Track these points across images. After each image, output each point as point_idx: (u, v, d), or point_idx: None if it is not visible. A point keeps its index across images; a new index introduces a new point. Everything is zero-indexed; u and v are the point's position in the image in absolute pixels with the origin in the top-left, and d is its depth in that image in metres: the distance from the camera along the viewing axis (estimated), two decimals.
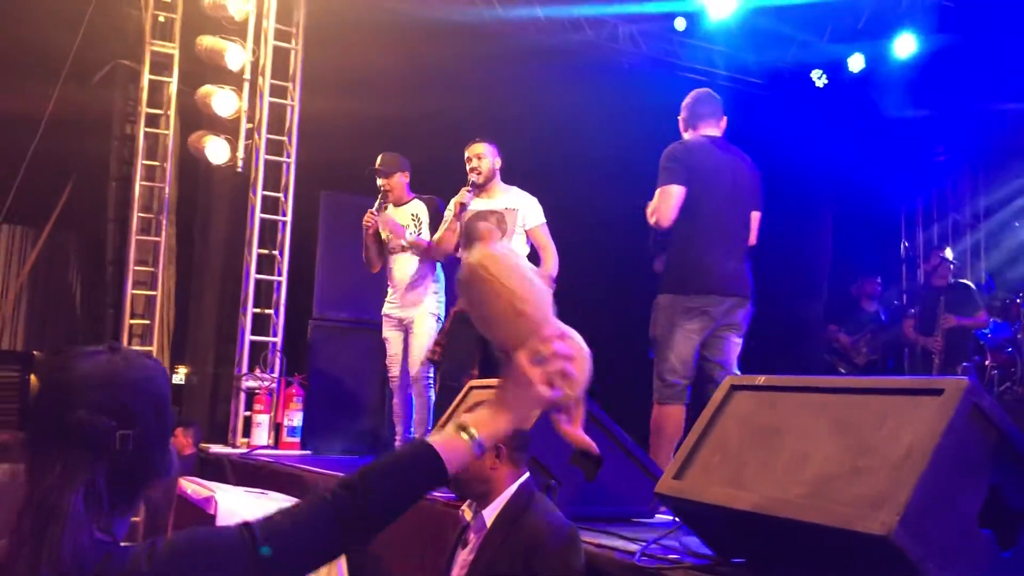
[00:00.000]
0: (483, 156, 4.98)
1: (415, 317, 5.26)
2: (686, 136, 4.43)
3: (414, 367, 5.19)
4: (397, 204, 5.45)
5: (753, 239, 4.39)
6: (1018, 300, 7.19)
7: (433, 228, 5.33)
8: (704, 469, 2.39)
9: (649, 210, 4.20)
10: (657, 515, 3.39)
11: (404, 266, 5.35)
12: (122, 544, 1.38)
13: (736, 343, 4.26)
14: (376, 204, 5.40)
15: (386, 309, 5.47)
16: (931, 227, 9.19)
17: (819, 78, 9.09)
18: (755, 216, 4.41)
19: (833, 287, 8.83)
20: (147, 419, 1.38)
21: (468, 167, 5.01)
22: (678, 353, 4.11)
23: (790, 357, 8.20)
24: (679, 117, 4.50)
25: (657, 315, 4.19)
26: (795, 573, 2.17)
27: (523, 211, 4.96)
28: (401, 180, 5.43)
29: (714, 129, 4.42)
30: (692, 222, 4.13)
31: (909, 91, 8.43)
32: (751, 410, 2.42)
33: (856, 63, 8.72)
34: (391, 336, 5.42)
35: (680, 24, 8.54)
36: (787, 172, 8.76)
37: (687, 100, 4.48)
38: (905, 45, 8.32)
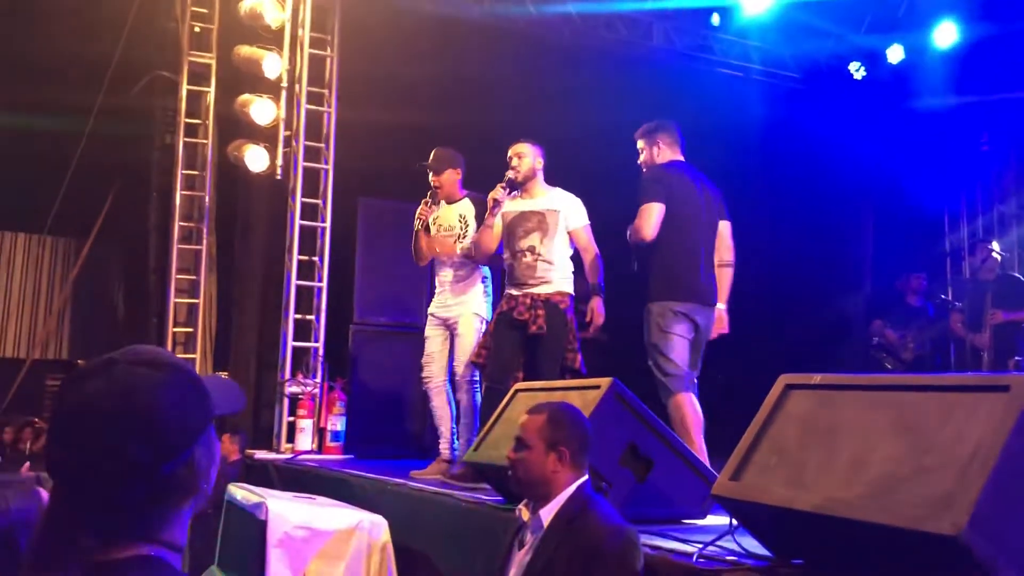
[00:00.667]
0: (524, 155, 4.94)
1: (460, 317, 5.22)
2: (650, 157, 4.75)
3: (460, 368, 5.15)
4: (449, 201, 5.35)
5: (730, 244, 4.84)
6: None
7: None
8: (761, 470, 2.36)
9: (634, 226, 4.48)
10: (709, 517, 3.36)
11: (450, 268, 5.34)
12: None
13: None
14: (428, 196, 5.34)
15: (432, 308, 5.44)
16: (976, 220, 9.02)
17: (857, 71, 8.96)
18: (726, 225, 4.84)
19: (877, 283, 8.72)
20: (176, 435, 1.26)
21: (509, 166, 4.99)
22: (676, 355, 4.40)
23: (832, 354, 8.11)
24: (644, 140, 4.79)
25: (650, 323, 4.45)
26: (856, 574, 2.13)
27: (565, 212, 4.92)
28: (452, 177, 5.34)
29: (679, 155, 4.79)
30: (673, 236, 4.48)
31: (951, 81, 8.29)
32: (808, 409, 2.38)
33: (895, 54, 8.59)
34: (432, 334, 5.37)
35: (715, 20, 8.48)
36: (826, 167, 8.69)
37: (652, 127, 4.79)
38: (946, 34, 8.19)
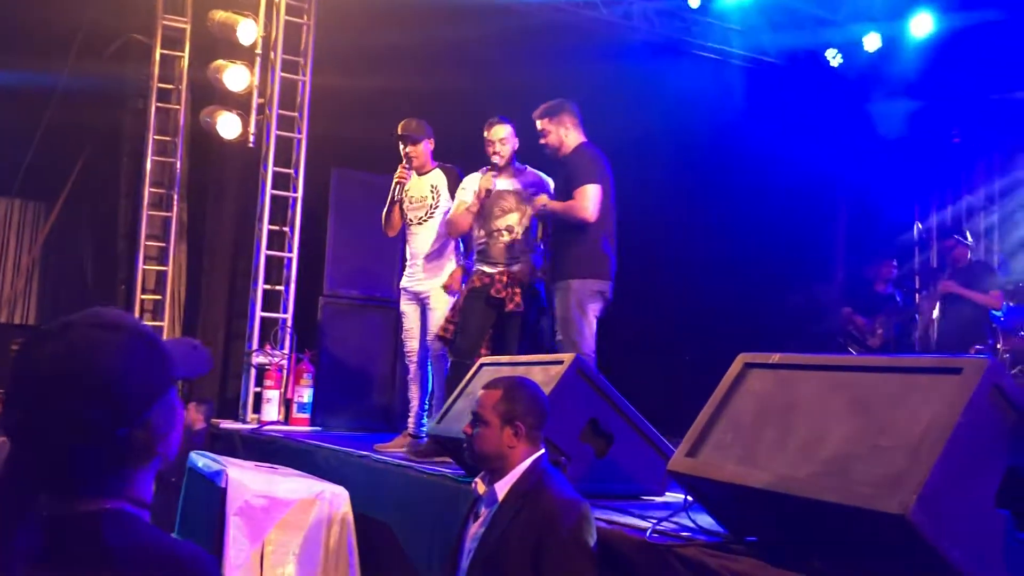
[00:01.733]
0: (506, 141, 4.92)
1: (431, 291, 5.21)
2: (559, 139, 4.69)
3: (430, 342, 5.16)
4: (420, 172, 5.34)
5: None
6: None
7: (453, 198, 5.25)
8: (717, 447, 2.38)
9: (575, 205, 4.46)
10: (667, 494, 3.38)
11: (422, 240, 5.29)
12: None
13: None
14: (402, 165, 5.30)
15: (403, 283, 5.40)
16: (945, 209, 9.11)
17: (834, 57, 8.99)
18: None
19: (848, 270, 8.78)
20: (133, 399, 1.26)
21: (490, 149, 4.93)
22: (590, 332, 4.44)
23: (804, 340, 8.17)
24: (550, 121, 4.70)
25: (568, 298, 4.46)
26: (809, 552, 2.16)
27: (540, 192, 4.91)
28: (426, 148, 5.31)
29: (583, 135, 4.76)
30: (604, 216, 4.54)
31: (925, 72, 8.34)
32: (766, 388, 2.40)
33: (872, 42, 8.63)
34: (407, 310, 5.35)
35: (694, 2, 8.46)
36: (801, 153, 8.72)
37: (556, 106, 4.71)
38: (922, 24, 8.23)
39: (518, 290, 4.75)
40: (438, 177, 5.31)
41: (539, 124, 4.73)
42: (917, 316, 7.29)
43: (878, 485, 1.91)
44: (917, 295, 7.62)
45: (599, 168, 4.55)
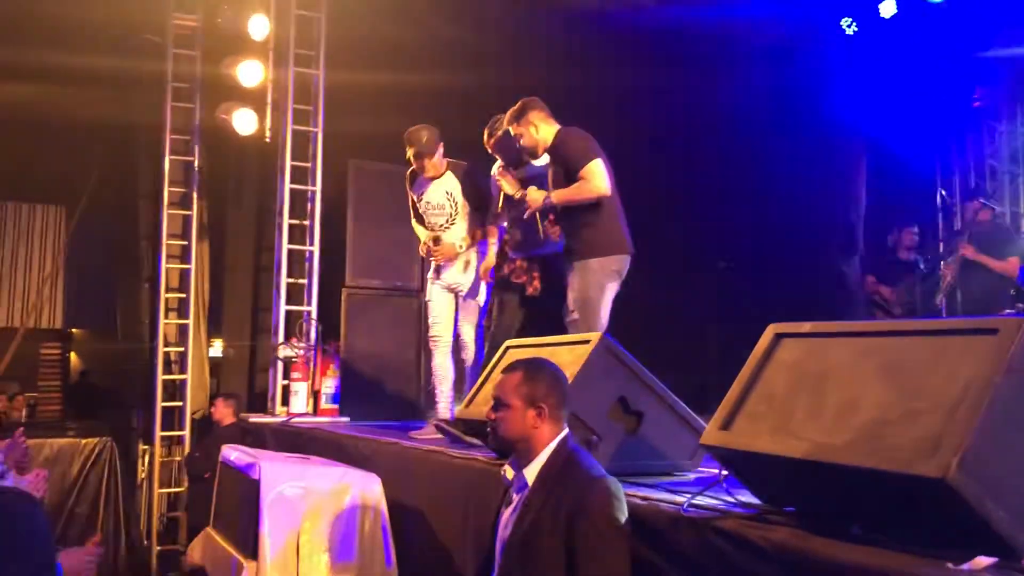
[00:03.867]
0: (522, 135, 4.93)
1: (465, 281, 5.25)
2: (531, 138, 4.62)
3: (466, 331, 5.19)
4: (434, 178, 5.34)
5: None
6: None
7: (467, 198, 5.26)
8: (751, 418, 2.36)
9: (588, 186, 4.39)
10: (701, 469, 3.37)
11: (451, 234, 5.29)
12: None
13: None
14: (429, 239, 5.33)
15: (433, 274, 5.42)
16: (968, 174, 9.00)
17: (849, 26, 8.88)
18: None
19: (870, 238, 8.70)
20: None
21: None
22: (605, 311, 4.40)
23: (828, 310, 8.12)
24: (517, 125, 4.65)
25: (587, 278, 4.42)
26: (847, 519, 2.14)
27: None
28: (440, 153, 5.32)
29: (555, 123, 4.68)
30: (612, 190, 4.49)
31: (942, 36, 8.21)
32: (798, 357, 2.37)
33: (887, 8, 8.51)
34: (436, 297, 5.35)
35: None
36: (818, 123, 8.63)
37: (516, 110, 4.65)
38: None
39: (536, 274, 4.78)
40: (451, 182, 5.29)
41: (512, 131, 4.71)
42: (941, 282, 7.21)
43: (916, 449, 1.89)
44: (942, 262, 7.53)
45: (592, 143, 4.50)
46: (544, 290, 4.87)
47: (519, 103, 4.68)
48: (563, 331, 4.67)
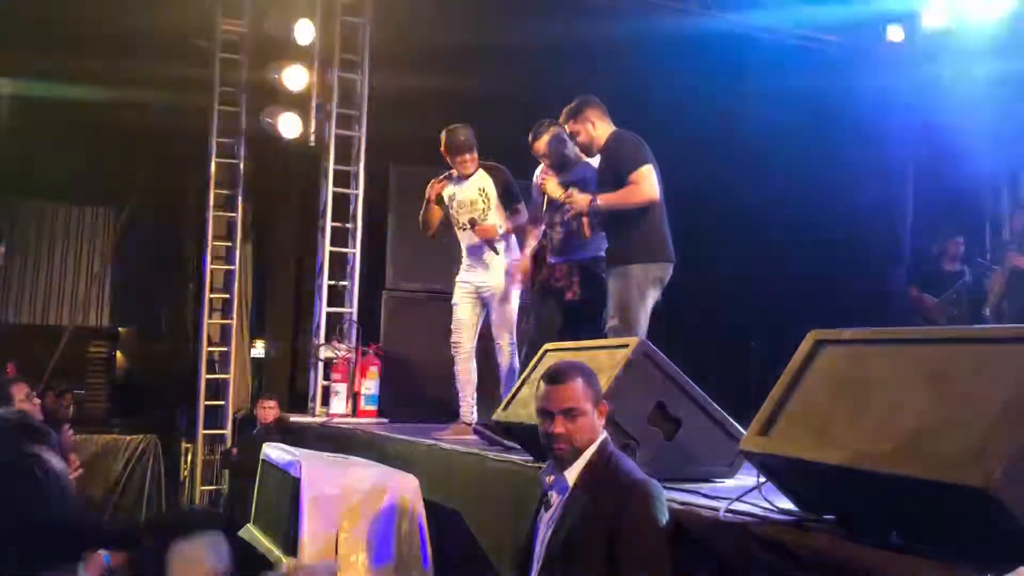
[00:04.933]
0: (547, 152, 4.98)
1: (495, 286, 5.27)
2: (588, 136, 4.64)
3: (501, 336, 5.22)
4: (466, 176, 5.38)
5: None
6: None
7: (502, 199, 5.30)
8: (790, 424, 2.35)
9: (638, 189, 4.38)
10: (738, 476, 3.35)
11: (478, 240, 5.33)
12: None
13: None
14: (446, 176, 5.40)
15: (462, 276, 5.43)
16: (1017, 186, 8.84)
17: (896, 33, 8.79)
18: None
19: (917, 248, 8.58)
20: None
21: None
22: (645, 318, 4.39)
23: (872, 321, 8.01)
24: (575, 122, 4.66)
25: (629, 283, 4.40)
26: (887, 528, 2.12)
27: (591, 176, 4.92)
28: (476, 153, 5.38)
29: (611, 124, 4.69)
30: (659, 198, 4.49)
31: (993, 42, 8.08)
32: (838, 364, 2.36)
33: (936, 15, 8.40)
34: (462, 301, 5.38)
35: None
36: (865, 132, 8.54)
37: (575, 107, 4.67)
38: None
39: (576, 279, 4.79)
40: (484, 179, 5.33)
41: (568, 128, 4.73)
42: (989, 293, 7.09)
43: (959, 458, 1.87)
44: (990, 272, 7.39)
45: (644, 148, 4.50)
46: (582, 295, 4.87)
47: (576, 100, 4.70)
48: (600, 336, 4.67)
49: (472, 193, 5.33)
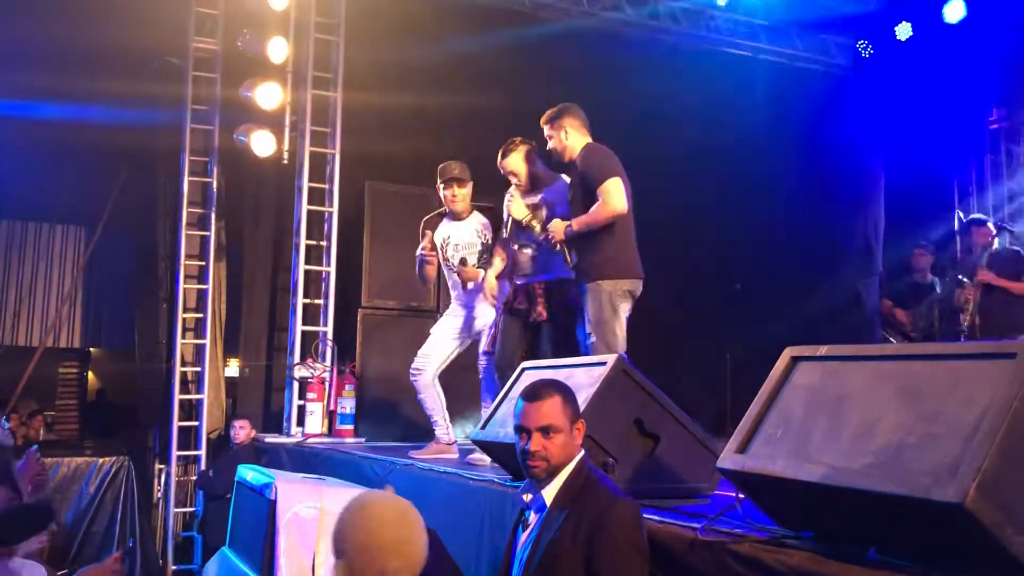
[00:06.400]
0: (516, 170, 4.97)
1: (481, 312, 5.32)
2: (560, 142, 4.68)
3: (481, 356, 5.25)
4: (460, 217, 5.36)
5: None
6: None
7: (496, 240, 5.34)
8: (768, 442, 2.36)
9: (607, 205, 4.39)
10: (717, 492, 3.35)
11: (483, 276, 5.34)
12: None
13: None
14: (435, 216, 5.42)
15: (455, 312, 5.43)
16: (985, 196, 8.97)
17: (864, 48, 8.92)
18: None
19: (886, 260, 8.69)
20: None
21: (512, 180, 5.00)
22: (622, 332, 4.41)
23: (847, 332, 8.09)
24: (550, 127, 4.71)
25: (601, 300, 4.43)
26: (864, 544, 2.13)
27: (562, 196, 4.96)
28: (469, 191, 5.38)
29: (588, 136, 4.73)
30: (628, 211, 4.51)
31: (960, 58, 8.22)
32: (814, 381, 2.37)
33: (904, 31, 8.54)
34: (441, 334, 5.37)
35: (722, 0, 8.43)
36: (836, 146, 8.64)
37: (555, 113, 4.71)
38: (955, 10, 8.12)
39: (541, 299, 4.81)
40: (479, 218, 5.37)
41: (545, 130, 4.78)
42: (964, 306, 7.17)
43: (934, 474, 1.88)
44: (958, 286, 7.49)
45: (613, 161, 4.53)
46: (548, 316, 4.88)
47: (559, 106, 4.74)
48: (566, 356, 4.70)
49: (469, 234, 5.34)
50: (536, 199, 4.93)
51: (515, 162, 4.97)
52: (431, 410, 5.33)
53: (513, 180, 5.02)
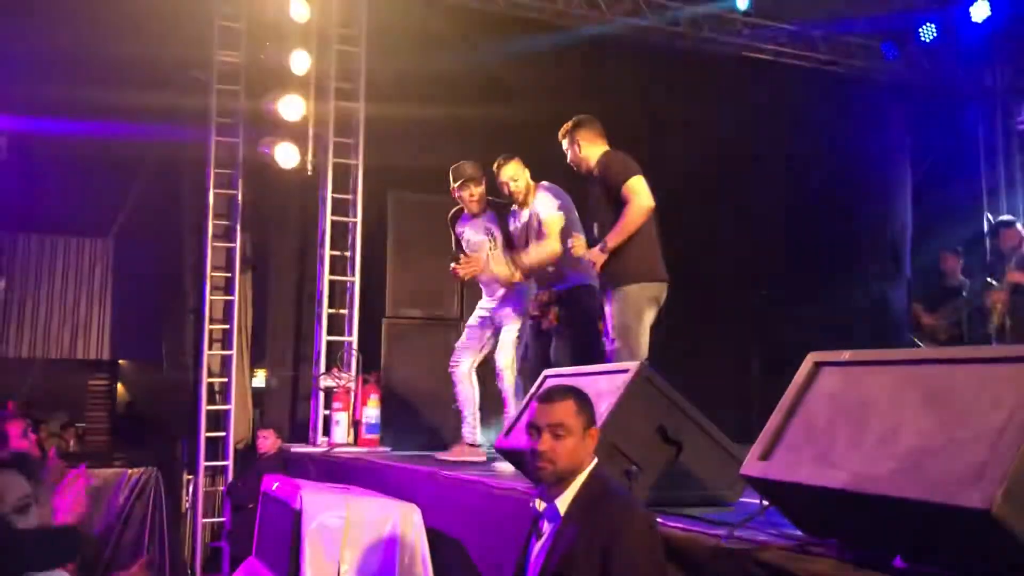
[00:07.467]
0: (517, 178, 5.05)
1: (504, 315, 5.37)
2: (575, 155, 4.75)
3: (500, 359, 5.28)
4: (475, 215, 5.48)
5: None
6: None
7: (507, 241, 5.43)
8: (791, 448, 2.33)
9: (636, 205, 4.40)
10: (742, 500, 3.33)
11: (495, 268, 5.40)
12: None
13: None
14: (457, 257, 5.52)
15: (484, 303, 5.57)
16: (1015, 198, 8.85)
17: (890, 50, 8.84)
18: None
19: (916, 264, 8.60)
20: None
21: (503, 190, 5.14)
22: (645, 339, 4.42)
23: (873, 337, 8.02)
24: (566, 141, 4.78)
25: (626, 305, 4.42)
26: (890, 551, 2.10)
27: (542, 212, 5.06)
28: (483, 189, 5.46)
29: (605, 145, 4.78)
30: (649, 217, 4.52)
31: (986, 58, 8.14)
32: (838, 386, 2.35)
33: (928, 32, 8.46)
34: (473, 324, 5.54)
35: (742, 3, 8.39)
36: (860, 149, 8.57)
37: (582, 122, 4.78)
38: (980, 10, 8.04)
39: (554, 308, 4.86)
40: (491, 219, 5.47)
41: (563, 145, 4.84)
42: (993, 309, 7.08)
43: (960, 479, 1.85)
44: (987, 289, 7.39)
45: (631, 163, 4.56)
46: (563, 323, 4.93)
47: (572, 121, 4.80)
48: (581, 364, 4.72)
49: (480, 234, 5.42)
50: (486, 224, 5.21)
51: (512, 168, 5.10)
52: (462, 404, 5.43)
53: (513, 185, 5.11)
